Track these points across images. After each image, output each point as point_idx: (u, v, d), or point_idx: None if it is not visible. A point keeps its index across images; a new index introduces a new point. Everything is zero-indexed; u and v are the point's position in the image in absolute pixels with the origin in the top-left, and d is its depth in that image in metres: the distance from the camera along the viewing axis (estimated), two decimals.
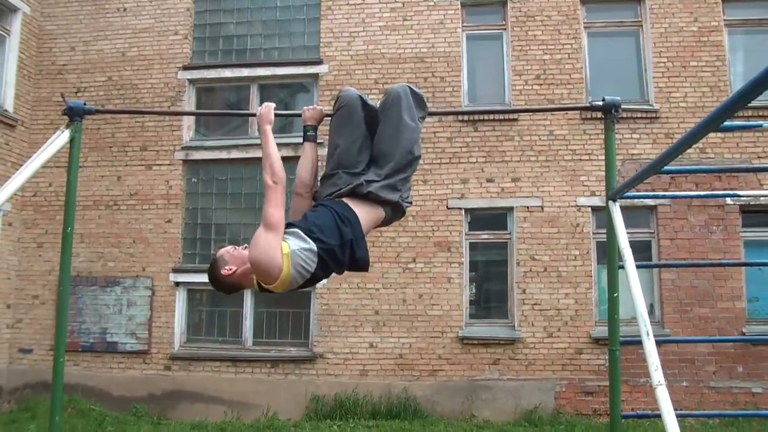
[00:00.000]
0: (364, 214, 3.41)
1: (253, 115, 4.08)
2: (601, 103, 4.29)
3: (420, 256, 10.95)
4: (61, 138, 4.19)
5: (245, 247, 3.23)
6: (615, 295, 4.23)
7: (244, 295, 11.52)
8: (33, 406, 10.77)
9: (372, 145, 3.58)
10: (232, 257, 3.21)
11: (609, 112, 4.25)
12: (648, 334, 3.03)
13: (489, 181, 11.12)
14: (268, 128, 3.54)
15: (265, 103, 3.68)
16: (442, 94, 11.30)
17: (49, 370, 4.51)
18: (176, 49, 12.30)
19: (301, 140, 3.80)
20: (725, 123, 2.58)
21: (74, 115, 4.31)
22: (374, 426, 9.87)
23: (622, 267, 3.62)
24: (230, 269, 3.18)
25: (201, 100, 12.59)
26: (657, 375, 2.80)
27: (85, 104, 4.39)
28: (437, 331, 10.83)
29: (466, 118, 11.26)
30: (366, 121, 3.59)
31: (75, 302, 11.43)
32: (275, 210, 3.16)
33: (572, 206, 10.88)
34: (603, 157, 4.70)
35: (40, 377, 11.19)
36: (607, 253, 4.33)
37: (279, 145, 12.04)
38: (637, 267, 3.45)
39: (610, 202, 4.08)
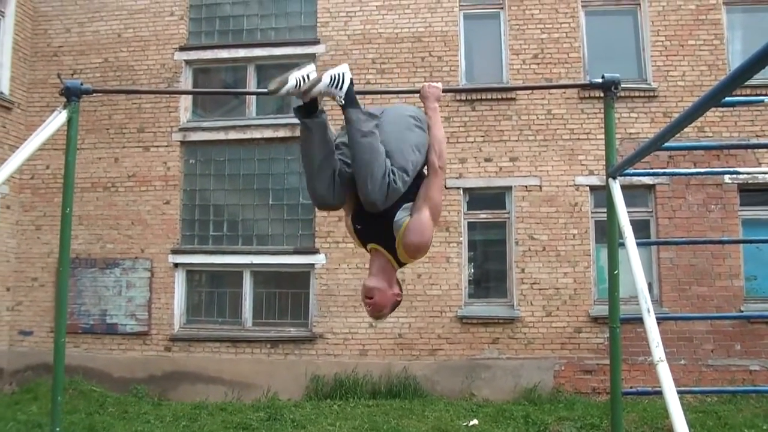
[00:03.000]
0: None
1: (251, 93, 4.09)
2: (600, 80, 4.29)
3: None
4: (58, 118, 4.18)
5: (372, 277, 3.26)
6: (615, 272, 4.24)
7: (243, 275, 11.54)
8: (34, 387, 10.79)
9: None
10: (384, 283, 3.26)
11: (609, 90, 4.25)
12: (649, 311, 3.04)
13: (487, 160, 11.10)
14: (437, 107, 3.48)
15: (430, 83, 3.60)
16: (439, 73, 11.23)
17: (50, 351, 4.53)
18: (172, 29, 12.21)
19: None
20: (726, 98, 2.57)
21: (71, 95, 4.32)
22: (374, 405, 9.91)
23: (623, 244, 3.62)
24: (397, 291, 3.33)
25: (198, 81, 12.53)
26: (658, 351, 2.81)
27: (82, 84, 4.39)
28: (436, 310, 10.85)
29: (463, 97, 11.21)
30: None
31: (74, 284, 11.42)
32: (440, 196, 3.23)
33: (570, 185, 10.87)
34: (601, 137, 4.70)
35: (40, 359, 11.21)
36: (608, 231, 4.33)
37: (277, 126, 11.93)
38: (637, 244, 3.46)
39: (610, 180, 4.07)
